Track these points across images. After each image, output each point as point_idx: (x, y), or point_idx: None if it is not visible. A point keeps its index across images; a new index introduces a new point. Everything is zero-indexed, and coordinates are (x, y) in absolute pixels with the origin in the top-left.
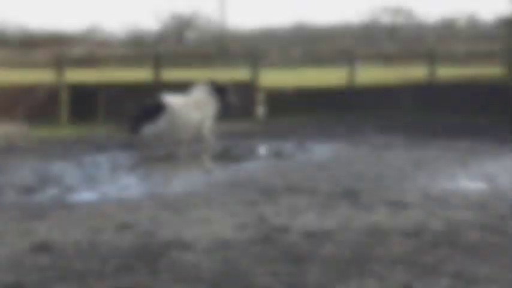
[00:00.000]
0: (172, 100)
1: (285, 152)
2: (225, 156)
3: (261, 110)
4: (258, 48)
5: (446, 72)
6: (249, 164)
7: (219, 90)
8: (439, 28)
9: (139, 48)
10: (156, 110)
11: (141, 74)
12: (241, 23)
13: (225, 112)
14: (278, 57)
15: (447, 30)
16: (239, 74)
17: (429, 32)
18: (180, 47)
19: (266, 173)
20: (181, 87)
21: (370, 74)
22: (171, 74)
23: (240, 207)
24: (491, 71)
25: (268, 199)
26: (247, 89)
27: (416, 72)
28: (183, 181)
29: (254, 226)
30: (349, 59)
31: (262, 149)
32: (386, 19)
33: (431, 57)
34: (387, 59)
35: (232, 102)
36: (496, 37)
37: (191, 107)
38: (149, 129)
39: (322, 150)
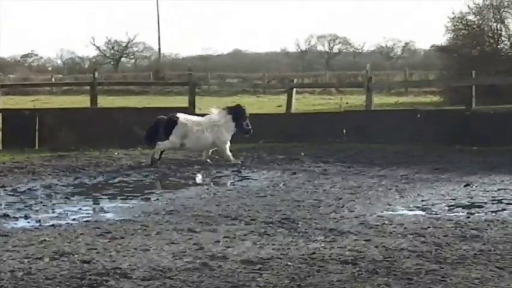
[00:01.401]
0: (185, 117)
1: (222, 179)
2: (161, 184)
3: None
4: (196, 75)
5: (383, 100)
6: (186, 191)
7: (236, 115)
8: (375, 56)
9: (76, 74)
10: (169, 124)
11: (78, 100)
12: (179, 49)
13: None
14: (216, 84)
15: (383, 58)
16: (176, 100)
17: (365, 59)
18: (117, 73)
19: (203, 200)
20: (118, 112)
21: (307, 101)
22: (108, 100)
23: (178, 235)
24: (427, 99)
25: (206, 227)
26: None
27: (353, 100)
28: (119, 209)
29: (192, 254)
30: (286, 86)
31: (199, 177)
32: (322, 47)
33: (368, 85)
34: (324, 86)
35: (246, 130)
36: (431, 65)
37: (204, 128)
38: (163, 144)
39: (259, 178)
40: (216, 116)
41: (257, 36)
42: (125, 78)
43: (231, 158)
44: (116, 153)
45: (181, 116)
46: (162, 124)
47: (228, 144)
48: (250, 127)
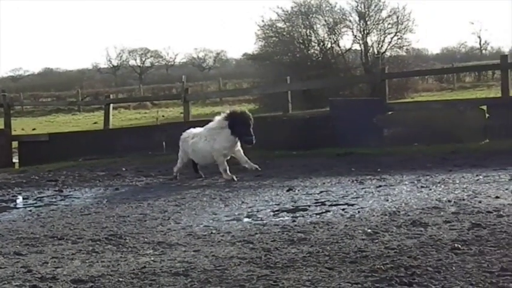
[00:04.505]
0: (188, 131)
1: (44, 200)
2: None
3: (16, 159)
4: (8, 95)
5: (199, 111)
6: (8, 214)
7: (232, 122)
8: (188, 68)
9: None
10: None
11: None
12: None
13: None
14: (29, 104)
15: (196, 69)
16: None
17: (178, 72)
18: None
19: (27, 222)
20: None
21: (123, 116)
22: None
23: (4, 259)
24: (242, 107)
25: (33, 249)
26: (0, 138)
27: (169, 113)
28: None
29: (21, 277)
30: (102, 103)
31: (21, 198)
32: (134, 61)
33: (185, 96)
34: (141, 100)
35: (246, 139)
36: (244, 74)
37: (200, 138)
38: (177, 165)
39: (83, 196)
40: (212, 123)
41: (67, 54)
42: None
43: (225, 173)
44: None
45: (186, 131)
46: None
47: (224, 152)
48: (252, 136)
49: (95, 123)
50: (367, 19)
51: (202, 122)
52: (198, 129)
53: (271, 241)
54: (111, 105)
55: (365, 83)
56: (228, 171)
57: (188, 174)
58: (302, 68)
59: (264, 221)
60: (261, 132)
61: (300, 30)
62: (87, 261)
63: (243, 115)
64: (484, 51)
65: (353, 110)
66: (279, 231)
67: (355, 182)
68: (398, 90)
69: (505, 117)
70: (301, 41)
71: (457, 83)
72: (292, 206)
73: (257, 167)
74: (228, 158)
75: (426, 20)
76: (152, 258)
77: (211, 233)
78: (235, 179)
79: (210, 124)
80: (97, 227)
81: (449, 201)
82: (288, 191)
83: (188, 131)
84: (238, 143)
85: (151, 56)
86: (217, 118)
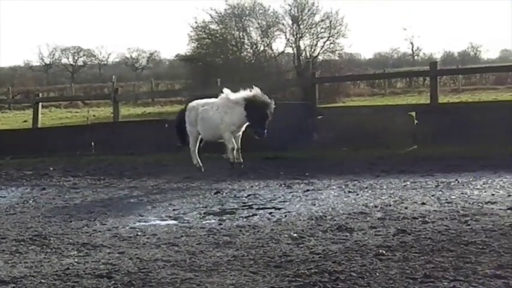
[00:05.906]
0: (198, 100)
1: None
2: None
3: None
4: None
5: (131, 111)
6: None
7: (250, 104)
8: (121, 67)
9: None
10: (181, 115)
11: None
12: None
13: None
14: None
15: (129, 69)
16: None
17: (111, 71)
18: None
19: None
20: None
21: (54, 115)
22: None
23: None
24: (174, 108)
25: None
26: None
27: (100, 112)
28: None
29: None
30: (32, 101)
31: None
32: (67, 60)
33: (114, 96)
34: (71, 99)
35: (259, 131)
36: (176, 75)
37: (210, 107)
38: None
39: (8, 195)
40: (231, 96)
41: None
42: None
43: (231, 152)
44: None
45: (194, 101)
46: (179, 118)
47: (232, 128)
48: (265, 130)
49: (25, 121)
50: (300, 23)
51: (132, 123)
52: (209, 99)
53: (197, 244)
54: (40, 104)
55: (297, 86)
56: (234, 152)
57: (115, 175)
58: (234, 70)
59: (191, 224)
60: None
61: (233, 32)
62: (10, 261)
63: (264, 105)
64: (416, 57)
65: (283, 114)
66: (204, 234)
67: (283, 185)
68: (329, 94)
69: (434, 124)
70: (234, 43)
71: (389, 88)
72: (220, 209)
73: (241, 161)
74: (235, 136)
75: (359, 25)
76: (76, 260)
77: (137, 235)
78: (236, 162)
79: (227, 96)
80: (22, 227)
81: (376, 206)
82: (215, 193)
83: (197, 100)
84: (244, 126)
85: (84, 55)
86: (239, 94)
